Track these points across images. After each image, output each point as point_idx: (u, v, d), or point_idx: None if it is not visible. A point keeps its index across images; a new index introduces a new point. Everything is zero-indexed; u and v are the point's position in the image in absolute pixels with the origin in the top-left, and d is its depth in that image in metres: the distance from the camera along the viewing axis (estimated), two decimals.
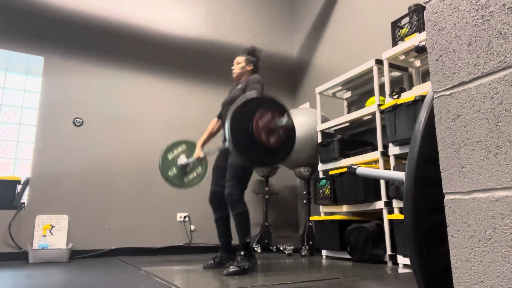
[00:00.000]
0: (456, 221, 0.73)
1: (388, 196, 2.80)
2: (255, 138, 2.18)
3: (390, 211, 2.81)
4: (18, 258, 3.28)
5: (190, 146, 3.18)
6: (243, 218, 2.51)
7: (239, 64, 2.86)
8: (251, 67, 2.87)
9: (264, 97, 2.39)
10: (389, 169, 2.80)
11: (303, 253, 3.61)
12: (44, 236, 3.36)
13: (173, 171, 3.08)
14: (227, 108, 2.81)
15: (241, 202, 2.53)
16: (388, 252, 2.78)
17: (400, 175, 1.34)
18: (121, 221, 3.77)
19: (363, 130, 3.64)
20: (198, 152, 2.88)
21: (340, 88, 3.83)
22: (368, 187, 2.93)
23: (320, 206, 3.51)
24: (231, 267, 2.32)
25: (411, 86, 3.16)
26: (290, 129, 2.34)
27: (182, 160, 3.11)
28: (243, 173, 2.58)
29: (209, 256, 3.43)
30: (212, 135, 3.02)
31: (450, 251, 0.74)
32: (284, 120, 2.22)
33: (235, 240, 2.94)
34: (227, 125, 2.18)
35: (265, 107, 2.27)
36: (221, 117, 2.92)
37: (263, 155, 2.26)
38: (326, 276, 2.24)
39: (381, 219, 2.93)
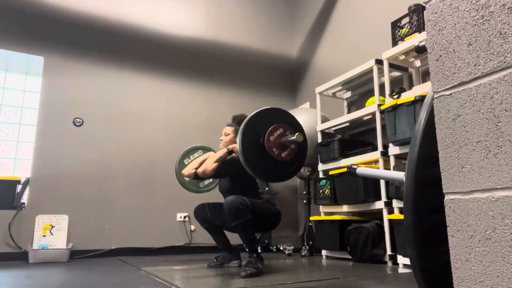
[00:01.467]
0: (456, 221, 0.73)
1: (388, 196, 2.80)
2: (266, 151, 2.17)
3: (390, 211, 2.81)
4: (18, 258, 3.28)
5: (206, 152, 3.22)
6: (249, 226, 2.39)
7: (227, 135, 2.78)
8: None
9: (280, 111, 2.36)
10: (389, 169, 2.80)
11: (303, 253, 3.61)
12: (44, 236, 3.36)
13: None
14: (224, 180, 2.79)
15: (245, 210, 2.41)
16: (388, 252, 2.78)
17: (400, 175, 1.34)
18: (121, 221, 3.77)
19: (363, 130, 3.64)
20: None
21: (340, 88, 3.83)
22: (368, 187, 2.93)
23: (320, 206, 3.51)
24: (247, 268, 2.25)
25: (411, 86, 3.16)
26: (302, 144, 2.32)
27: None
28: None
29: (209, 256, 3.43)
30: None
31: (450, 251, 0.74)
32: (295, 136, 2.19)
33: (234, 241, 2.95)
34: (238, 137, 2.17)
35: (278, 121, 2.26)
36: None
37: (274, 170, 2.24)
38: (326, 276, 2.24)
39: (381, 219, 2.93)
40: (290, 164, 2.29)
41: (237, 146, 2.25)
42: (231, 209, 2.33)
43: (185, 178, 3.15)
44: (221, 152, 2.59)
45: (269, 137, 2.19)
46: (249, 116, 2.24)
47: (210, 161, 2.58)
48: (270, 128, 2.20)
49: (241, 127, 2.19)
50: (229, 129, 2.80)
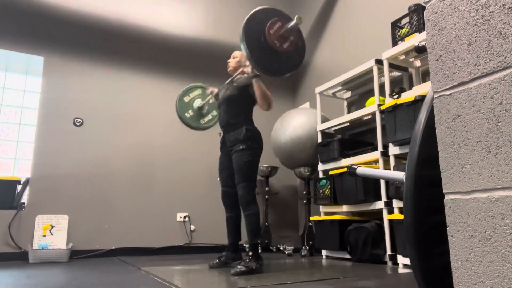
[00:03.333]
0: (456, 221, 0.73)
1: (388, 196, 2.80)
2: (270, 46, 2.24)
3: (390, 211, 2.81)
4: (18, 258, 3.28)
5: (205, 91, 3.25)
6: (254, 219, 2.51)
7: (235, 58, 2.84)
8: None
9: (269, 9, 2.41)
10: (389, 169, 2.80)
11: (303, 253, 3.61)
12: (44, 236, 3.36)
13: (189, 113, 3.16)
14: (223, 108, 2.79)
15: (254, 204, 2.53)
16: (388, 252, 2.78)
17: (400, 175, 1.34)
18: (121, 221, 3.77)
19: (363, 130, 3.64)
20: (212, 88, 2.94)
21: (340, 88, 3.83)
22: (368, 187, 2.93)
23: (320, 206, 3.51)
24: (239, 266, 2.31)
25: (411, 86, 3.16)
26: (299, 33, 2.40)
27: (198, 103, 3.18)
28: (250, 171, 2.58)
29: (209, 256, 3.43)
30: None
31: (450, 251, 0.74)
32: (292, 22, 2.27)
33: (242, 241, 2.95)
34: (242, 38, 2.21)
35: (273, 17, 2.31)
36: (221, 122, 2.88)
37: (279, 61, 2.32)
38: (326, 276, 2.24)
39: (381, 219, 2.93)
40: (293, 54, 2.37)
41: (247, 65, 2.43)
42: (242, 202, 2.54)
43: (186, 114, 3.17)
44: (258, 84, 2.58)
45: (269, 30, 2.26)
46: (246, 18, 2.28)
47: (266, 94, 2.61)
48: (269, 23, 2.27)
49: (241, 28, 2.23)
50: (238, 53, 2.87)
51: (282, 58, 2.32)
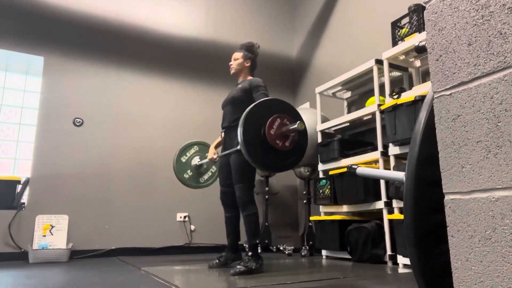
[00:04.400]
0: (456, 221, 0.73)
1: (388, 196, 2.80)
2: (268, 143, 2.21)
3: (390, 211, 2.81)
4: (18, 258, 3.28)
5: (202, 147, 3.26)
6: (253, 219, 2.52)
7: (236, 60, 2.84)
8: (249, 63, 2.85)
9: (276, 101, 2.38)
10: (389, 169, 2.80)
11: (303, 253, 3.61)
12: (44, 236, 3.36)
13: (188, 173, 3.17)
14: (227, 109, 2.81)
15: (252, 204, 2.54)
16: (388, 252, 2.78)
17: (400, 175, 1.34)
18: (121, 221, 3.77)
19: (363, 130, 3.64)
20: (211, 154, 2.87)
21: (340, 88, 3.83)
22: (368, 187, 2.93)
23: (320, 206, 3.51)
24: (238, 266, 2.32)
25: (411, 86, 3.16)
26: (303, 133, 2.37)
27: (196, 161, 3.17)
28: (248, 172, 2.58)
29: (209, 256, 3.44)
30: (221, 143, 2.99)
31: (450, 251, 0.74)
32: (296, 125, 2.22)
33: (242, 241, 2.95)
34: (239, 130, 2.19)
35: (277, 112, 2.28)
36: (223, 122, 2.89)
37: (276, 159, 2.28)
38: (326, 276, 2.24)
39: (381, 219, 2.93)
40: (292, 153, 2.33)
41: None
42: (239, 203, 2.54)
43: (185, 174, 3.18)
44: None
45: (270, 128, 2.22)
46: (247, 110, 2.26)
47: None
48: (269, 120, 2.23)
49: (241, 121, 2.22)
50: (238, 54, 2.85)
51: (281, 156, 2.29)
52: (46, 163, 3.56)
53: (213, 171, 3.30)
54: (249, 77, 2.83)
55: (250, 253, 2.42)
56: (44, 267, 2.85)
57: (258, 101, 2.32)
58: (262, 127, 2.23)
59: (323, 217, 3.35)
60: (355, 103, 3.94)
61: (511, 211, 0.63)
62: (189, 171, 3.21)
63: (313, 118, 3.82)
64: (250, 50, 2.86)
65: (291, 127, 2.25)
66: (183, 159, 3.21)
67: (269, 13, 5.12)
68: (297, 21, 5.20)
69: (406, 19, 3.03)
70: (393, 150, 2.75)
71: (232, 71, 2.86)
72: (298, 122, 2.22)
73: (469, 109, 0.72)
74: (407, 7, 3.06)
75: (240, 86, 2.77)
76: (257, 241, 2.50)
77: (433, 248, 0.90)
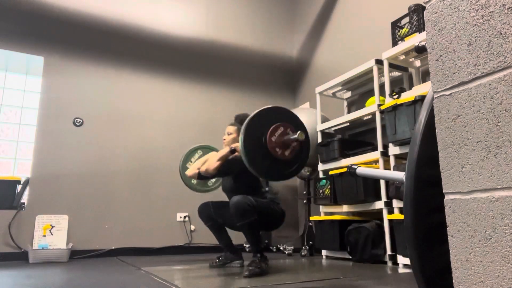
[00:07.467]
0: (456, 221, 0.73)
1: (388, 196, 2.80)
2: (269, 152, 2.18)
3: (390, 211, 2.81)
4: (18, 258, 3.28)
5: (207, 151, 3.25)
6: (254, 226, 2.39)
7: (230, 135, 2.79)
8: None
9: (281, 110, 2.36)
10: (389, 169, 2.80)
11: (303, 253, 3.61)
12: (44, 236, 3.36)
13: (195, 179, 3.16)
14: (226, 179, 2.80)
15: (252, 211, 2.39)
16: (388, 252, 2.78)
17: (400, 175, 1.34)
18: (121, 221, 3.77)
19: (363, 130, 3.64)
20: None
21: (340, 88, 3.83)
22: (368, 187, 2.93)
23: (320, 206, 3.51)
24: (250, 268, 2.25)
25: (411, 86, 3.16)
26: (304, 142, 2.34)
27: None
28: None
29: (209, 256, 3.43)
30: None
31: (450, 251, 0.74)
32: (297, 134, 2.21)
33: (236, 240, 2.95)
34: (240, 138, 2.18)
35: (281, 120, 2.26)
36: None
37: (277, 169, 2.26)
38: (326, 276, 2.24)
39: (381, 219, 2.93)
40: (293, 163, 2.31)
41: (239, 145, 2.25)
42: (238, 209, 2.32)
43: (192, 180, 3.18)
44: (224, 151, 2.60)
45: (271, 136, 2.20)
46: (249, 117, 2.24)
47: (212, 160, 2.59)
48: (271, 128, 2.21)
49: (242, 128, 2.19)
50: (232, 129, 2.81)
51: (281, 165, 2.28)
52: (46, 163, 3.56)
53: None
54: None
55: (259, 255, 2.38)
56: (44, 267, 2.85)
57: (261, 109, 2.29)
58: (264, 134, 2.20)
59: (323, 217, 3.35)
60: (355, 103, 3.93)
61: (511, 211, 0.63)
62: None
63: (313, 118, 3.81)
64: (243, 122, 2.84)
65: (291, 137, 2.24)
66: (188, 165, 3.22)
67: (269, 13, 5.12)
68: (297, 21, 5.20)
69: (406, 19, 3.03)
70: (393, 150, 2.75)
71: (225, 145, 2.79)
72: (299, 132, 2.20)
73: (469, 109, 0.72)
74: (407, 7, 3.06)
75: None
76: (263, 246, 2.46)
77: (433, 248, 0.90)
